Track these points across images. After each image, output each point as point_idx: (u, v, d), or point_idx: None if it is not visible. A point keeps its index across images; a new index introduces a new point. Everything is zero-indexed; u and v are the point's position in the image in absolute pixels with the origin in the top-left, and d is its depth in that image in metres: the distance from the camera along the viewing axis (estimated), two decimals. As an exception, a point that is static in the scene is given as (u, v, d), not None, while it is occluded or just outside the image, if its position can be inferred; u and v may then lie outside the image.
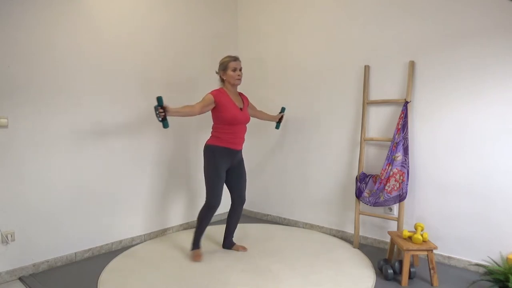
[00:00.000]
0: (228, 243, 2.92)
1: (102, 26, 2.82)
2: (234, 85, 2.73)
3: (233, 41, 3.94)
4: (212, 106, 2.62)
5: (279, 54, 3.62)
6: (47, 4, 2.52)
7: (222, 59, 2.72)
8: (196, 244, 2.76)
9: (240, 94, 2.84)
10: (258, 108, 3.29)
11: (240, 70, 2.71)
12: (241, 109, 2.71)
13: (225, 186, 2.84)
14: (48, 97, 2.55)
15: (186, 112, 2.51)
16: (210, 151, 2.67)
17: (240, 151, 2.80)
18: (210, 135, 2.74)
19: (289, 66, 3.55)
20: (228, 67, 2.66)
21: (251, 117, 2.93)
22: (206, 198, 2.71)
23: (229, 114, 2.62)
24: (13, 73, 2.38)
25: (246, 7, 3.91)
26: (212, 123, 2.73)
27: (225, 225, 2.97)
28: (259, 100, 3.78)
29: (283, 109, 3.30)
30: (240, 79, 2.71)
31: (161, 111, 2.31)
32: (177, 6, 3.36)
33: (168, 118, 2.37)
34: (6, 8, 2.34)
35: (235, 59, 2.69)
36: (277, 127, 3.30)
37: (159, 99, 2.31)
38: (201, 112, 2.58)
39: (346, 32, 3.11)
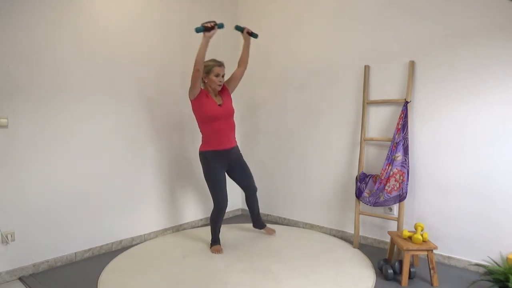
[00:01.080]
0: (259, 224, 3.21)
1: (102, 26, 2.82)
2: (214, 89, 2.80)
3: (233, 41, 3.94)
4: (198, 89, 2.69)
5: (279, 54, 3.62)
6: (47, 4, 2.52)
7: (207, 61, 2.76)
8: (215, 241, 2.90)
9: (219, 92, 2.86)
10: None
11: (223, 76, 2.77)
12: (220, 105, 2.77)
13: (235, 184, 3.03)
14: (48, 97, 2.55)
15: (201, 57, 2.62)
16: (203, 157, 2.79)
17: (234, 148, 2.86)
18: (201, 141, 2.84)
19: (289, 66, 3.54)
20: (212, 71, 2.73)
21: (243, 74, 3.00)
22: (213, 202, 2.84)
23: (207, 108, 2.70)
24: (13, 73, 2.39)
25: (246, 7, 3.90)
26: (199, 128, 2.81)
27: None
28: (259, 99, 3.79)
29: (237, 27, 2.97)
30: (221, 85, 2.79)
31: (212, 25, 2.54)
32: (177, 6, 3.36)
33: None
34: (6, 8, 2.34)
35: (220, 64, 2.75)
36: (255, 36, 2.96)
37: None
38: (197, 71, 2.62)
39: (346, 32, 3.11)
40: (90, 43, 2.76)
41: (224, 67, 2.78)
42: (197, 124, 2.86)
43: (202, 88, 2.80)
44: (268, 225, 3.40)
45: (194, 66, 2.62)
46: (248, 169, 3.00)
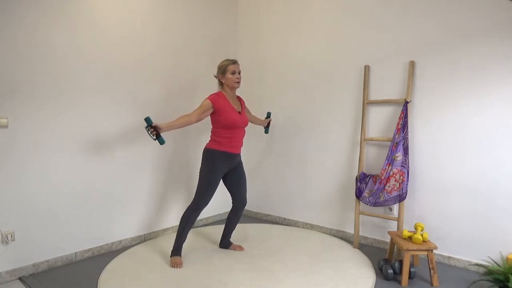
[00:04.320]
0: (225, 243, 2.93)
1: (102, 27, 2.82)
2: (233, 88, 2.71)
3: (233, 42, 3.94)
4: (211, 111, 2.61)
5: (279, 54, 3.62)
6: (47, 4, 2.52)
7: (221, 62, 2.71)
8: (178, 250, 2.64)
9: (238, 98, 2.84)
10: (255, 111, 3.30)
11: (239, 73, 2.70)
12: (239, 112, 2.70)
13: (225, 189, 2.88)
14: (48, 97, 2.55)
15: (182, 123, 2.50)
16: (210, 154, 2.66)
17: (239, 154, 2.80)
18: (210, 138, 2.74)
19: (289, 66, 3.55)
20: (227, 70, 2.65)
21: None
22: (195, 198, 2.64)
23: (228, 118, 2.61)
24: (13, 73, 2.38)
25: (246, 8, 3.91)
26: (211, 126, 2.73)
27: (220, 225, 2.97)
28: (259, 100, 3.79)
29: (268, 115, 3.27)
30: (239, 82, 2.70)
31: (152, 130, 2.33)
32: (177, 7, 3.36)
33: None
34: (6, 8, 2.34)
35: (234, 62, 2.69)
36: (266, 131, 3.26)
37: (147, 120, 2.33)
38: (198, 120, 2.56)
39: (346, 32, 3.11)
40: (91, 44, 2.75)
41: (238, 64, 2.71)
42: (200, 124, 2.81)
43: (220, 90, 2.72)
44: (267, 225, 3.38)
45: (190, 123, 2.54)
46: (245, 179, 2.87)
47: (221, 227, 3.42)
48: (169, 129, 2.43)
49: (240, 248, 2.89)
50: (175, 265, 2.56)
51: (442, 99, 2.62)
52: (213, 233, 3.31)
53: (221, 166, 2.66)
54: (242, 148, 2.83)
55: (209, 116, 2.68)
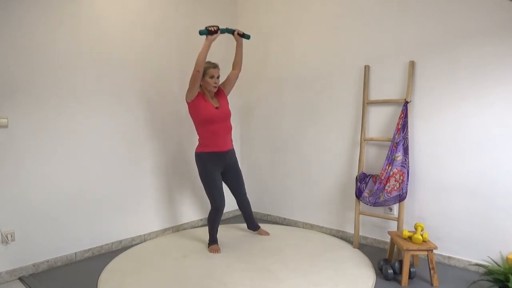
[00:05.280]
0: (253, 226, 3.22)
1: (102, 26, 2.82)
2: (210, 92, 2.82)
3: (233, 42, 3.93)
4: (195, 90, 2.69)
5: (279, 54, 3.61)
6: (47, 4, 2.52)
7: None
8: (212, 241, 2.92)
9: (215, 94, 2.89)
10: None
11: (218, 77, 2.80)
12: (217, 108, 2.79)
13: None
14: (48, 97, 2.55)
15: (205, 54, 2.65)
16: (200, 158, 2.81)
17: (230, 150, 2.89)
18: (198, 142, 2.86)
19: (288, 66, 3.54)
20: (207, 73, 2.76)
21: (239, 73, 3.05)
22: (210, 203, 2.86)
23: (204, 111, 2.72)
24: (13, 73, 2.39)
25: (246, 8, 3.90)
26: (196, 130, 2.84)
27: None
28: (258, 99, 3.79)
29: (229, 30, 2.82)
30: (216, 87, 2.81)
31: (216, 29, 2.63)
32: (177, 6, 3.36)
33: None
34: (6, 8, 2.34)
35: (215, 66, 2.79)
36: (247, 37, 2.93)
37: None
38: (197, 72, 2.63)
39: (346, 32, 3.11)
40: (90, 44, 2.76)
41: (218, 68, 2.81)
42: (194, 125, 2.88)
43: (199, 91, 2.81)
44: (266, 225, 3.40)
45: (195, 67, 2.65)
46: (241, 177, 3.04)
47: (222, 228, 3.41)
48: (208, 43, 2.65)
49: (266, 233, 3.19)
50: (213, 251, 2.83)
51: (442, 99, 2.62)
52: (213, 233, 3.31)
53: (214, 166, 2.80)
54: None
55: (190, 116, 2.81)
